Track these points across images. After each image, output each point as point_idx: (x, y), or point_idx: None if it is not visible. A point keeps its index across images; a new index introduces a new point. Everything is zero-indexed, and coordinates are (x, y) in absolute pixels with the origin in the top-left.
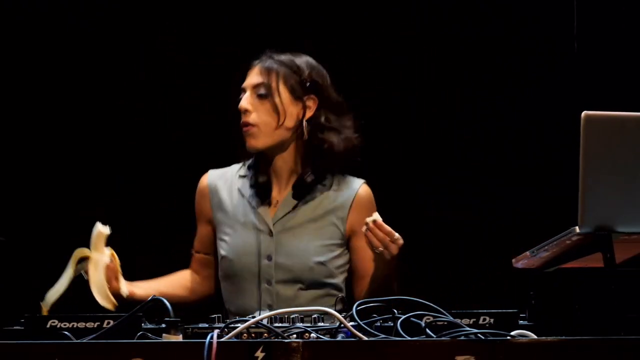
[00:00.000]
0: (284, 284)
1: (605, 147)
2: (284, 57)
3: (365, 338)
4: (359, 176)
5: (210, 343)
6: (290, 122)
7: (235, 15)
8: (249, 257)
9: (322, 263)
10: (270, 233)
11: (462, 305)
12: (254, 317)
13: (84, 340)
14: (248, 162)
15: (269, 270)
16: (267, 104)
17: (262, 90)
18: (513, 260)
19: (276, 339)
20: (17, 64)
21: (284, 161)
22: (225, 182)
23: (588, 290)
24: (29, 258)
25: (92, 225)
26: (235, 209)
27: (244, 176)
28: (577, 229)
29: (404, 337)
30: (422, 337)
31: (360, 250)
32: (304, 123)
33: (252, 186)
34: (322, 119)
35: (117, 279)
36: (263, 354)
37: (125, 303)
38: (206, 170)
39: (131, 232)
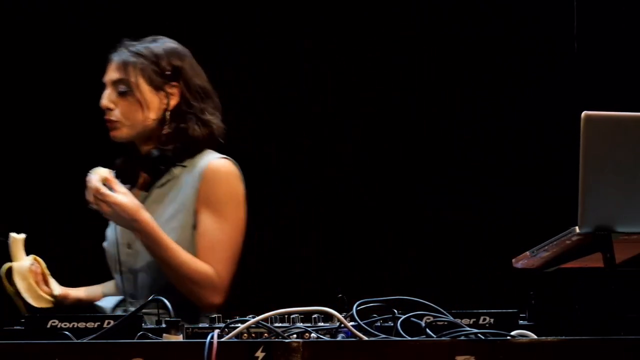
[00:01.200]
0: (144, 271)
1: (605, 147)
2: (141, 47)
3: (366, 338)
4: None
5: (211, 343)
6: (153, 114)
7: (235, 16)
8: (115, 246)
9: None
10: None
11: (462, 305)
12: (254, 317)
13: (85, 340)
14: None
15: (129, 259)
16: (128, 99)
17: (121, 87)
18: (513, 260)
19: (276, 339)
20: (17, 63)
21: (149, 149)
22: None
23: (588, 290)
24: None
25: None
26: None
27: None
28: (577, 229)
29: (404, 337)
30: (422, 337)
31: (198, 226)
32: (167, 112)
33: (117, 175)
34: (184, 106)
35: (45, 282)
36: (263, 354)
37: (64, 305)
38: None
39: None
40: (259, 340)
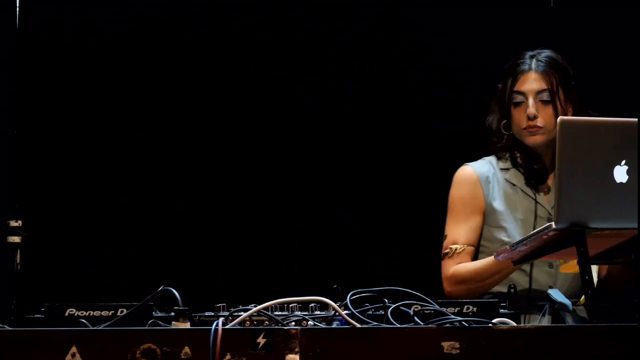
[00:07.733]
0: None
1: (580, 149)
2: (552, 60)
3: (359, 325)
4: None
5: (216, 330)
6: None
7: (233, 17)
8: None
9: None
10: (549, 219)
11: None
12: (256, 306)
13: (100, 327)
14: (506, 156)
15: None
16: (549, 108)
17: (545, 97)
18: (495, 254)
19: (276, 326)
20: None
21: (553, 152)
22: (491, 174)
23: None
24: (50, 253)
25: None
26: (510, 197)
27: (506, 169)
28: (554, 225)
29: (394, 324)
30: (411, 325)
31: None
32: None
33: (529, 176)
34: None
35: None
36: (264, 340)
37: None
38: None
39: (138, 234)
40: (260, 327)
